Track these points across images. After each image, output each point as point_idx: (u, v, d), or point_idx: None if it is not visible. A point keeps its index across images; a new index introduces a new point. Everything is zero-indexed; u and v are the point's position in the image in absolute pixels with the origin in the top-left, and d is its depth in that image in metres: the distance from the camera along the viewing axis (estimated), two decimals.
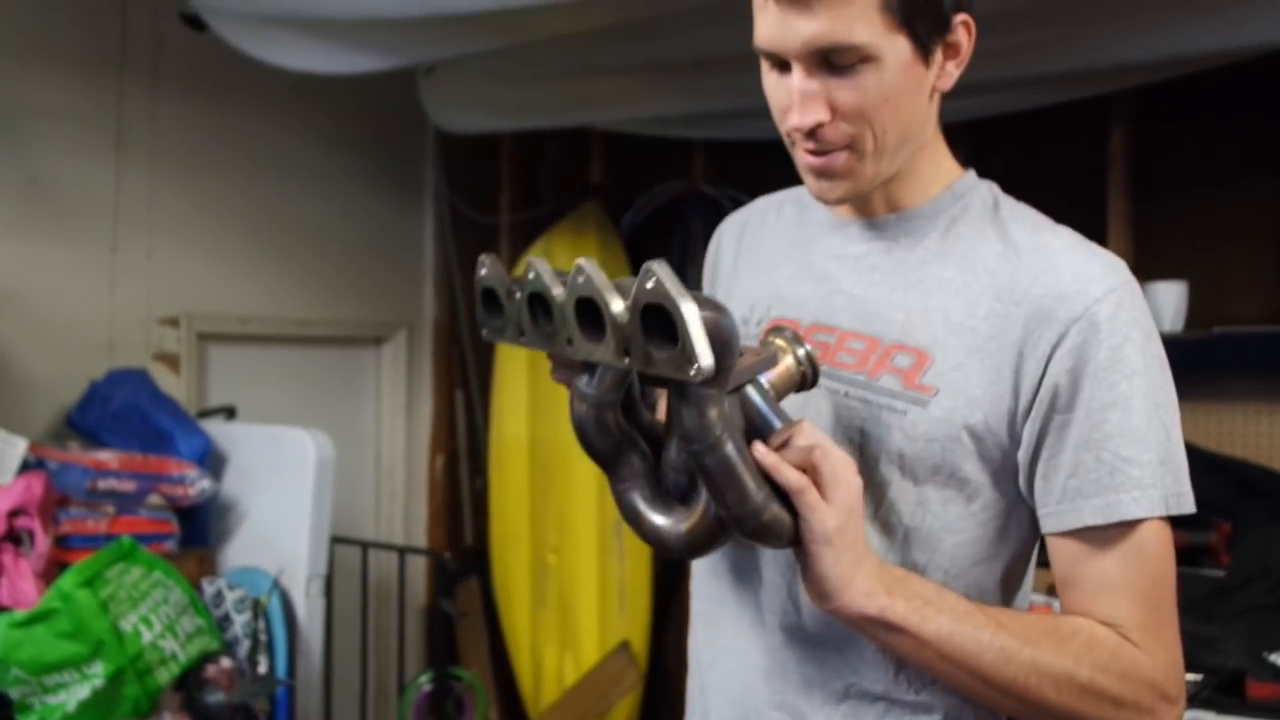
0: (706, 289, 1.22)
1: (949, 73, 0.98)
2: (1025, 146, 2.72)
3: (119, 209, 2.99)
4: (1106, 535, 0.92)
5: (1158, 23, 2.15)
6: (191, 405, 3.05)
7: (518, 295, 0.92)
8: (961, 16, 0.96)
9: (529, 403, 3.39)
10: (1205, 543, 2.25)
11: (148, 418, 2.68)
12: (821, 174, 0.97)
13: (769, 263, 1.12)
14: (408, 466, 3.82)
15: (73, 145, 2.90)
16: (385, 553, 3.29)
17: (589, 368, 0.91)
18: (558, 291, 0.87)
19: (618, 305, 0.83)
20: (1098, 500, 0.92)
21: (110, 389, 2.78)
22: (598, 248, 3.33)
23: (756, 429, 0.90)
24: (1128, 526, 0.92)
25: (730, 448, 0.85)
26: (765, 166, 3.18)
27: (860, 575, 0.88)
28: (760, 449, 0.87)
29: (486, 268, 0.96)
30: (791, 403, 0.98)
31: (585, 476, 3.26)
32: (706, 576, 1.12)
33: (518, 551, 3.43)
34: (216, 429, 2.82)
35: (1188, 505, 0.93)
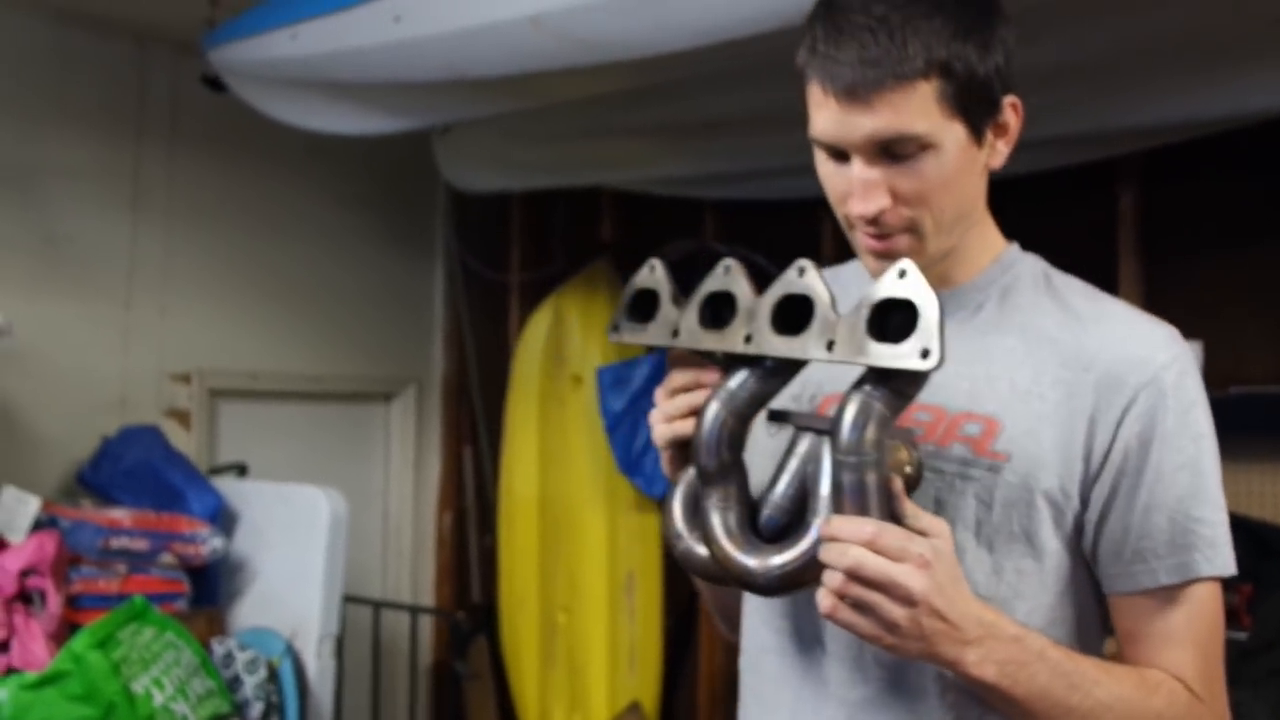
0: None
1: (999, 151, 1.01)
2: (1035, 208, 2.73)
3: (134, 267, 3.01)
4: (1173, 592, 0.96)
5: (1167, 88, 2.17)
6: (202, 462, 3.05)
7: (684, 301, 1.00)
8: (1010, 98, 0.99)
9: (539, 460, 3.38)
10: (1227, 605, 2.23)
11: (160, 475, 2.67)
12: (883, 256, 0.99)
13: None
14: (416, 524, 3.80)
15: (89, 203, 2.92)
16: (393, 612, 3.26)
17: (733, 370, 0.96)
18: (744, 291, 0.96)
19: (829, 300, 0.90)
20: (1171, 560, 0.95)
21: (122, 446, 2.78)
22: (608, 306, 3.34)
23: None
24: (1192, 583, 0.95)
25: (875, 476, 0.86)
26: (776, 225, 3.22)
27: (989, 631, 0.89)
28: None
29: (658, 270, 1.04)
30: None
31: (595, 534, 3.24)
32: (759, 653, 1.11)
33: (526, 610, 3.40)
34: (228, 486, 2.81)
35: (1234, 567, 0.97)
